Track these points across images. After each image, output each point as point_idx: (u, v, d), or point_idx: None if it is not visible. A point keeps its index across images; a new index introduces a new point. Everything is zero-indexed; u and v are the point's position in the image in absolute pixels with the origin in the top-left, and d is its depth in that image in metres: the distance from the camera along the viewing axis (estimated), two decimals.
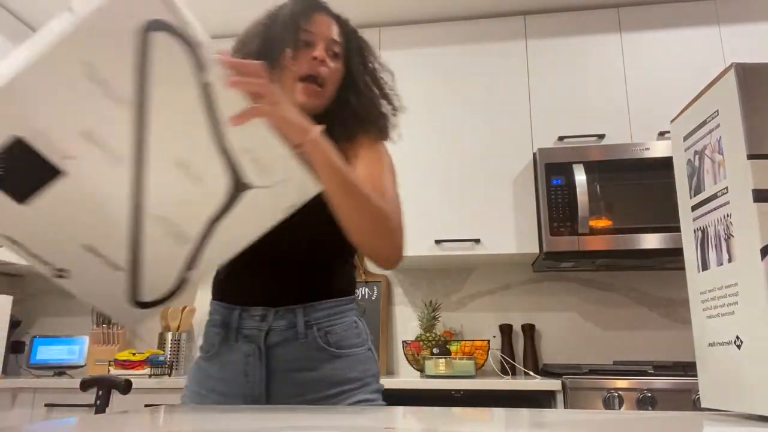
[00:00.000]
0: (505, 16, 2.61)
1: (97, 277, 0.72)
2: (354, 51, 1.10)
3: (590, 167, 2.24)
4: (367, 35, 1.15)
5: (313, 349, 0.98)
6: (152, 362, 2.37)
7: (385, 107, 1.11)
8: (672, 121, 0.69)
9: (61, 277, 0.70)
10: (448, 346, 2.25)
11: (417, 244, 2.35)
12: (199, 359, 1.04)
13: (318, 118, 1.02)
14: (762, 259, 0.51)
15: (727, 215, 0.56)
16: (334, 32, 1.06)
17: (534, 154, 2.41)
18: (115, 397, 2.08)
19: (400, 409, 0.74)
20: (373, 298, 2.59)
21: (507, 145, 2.45)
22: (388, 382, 1.11)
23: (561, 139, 2.41)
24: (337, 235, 0.93)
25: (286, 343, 0.97)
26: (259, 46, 1.04)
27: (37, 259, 0.69)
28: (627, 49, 2.48)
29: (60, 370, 2.54)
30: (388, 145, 1.12)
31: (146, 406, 2.05)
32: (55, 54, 0.59)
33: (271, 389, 0.97)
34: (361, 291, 2.61)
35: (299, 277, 1.01)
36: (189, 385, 1.03)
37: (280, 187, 0.73)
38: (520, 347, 2.51)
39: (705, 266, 0.61)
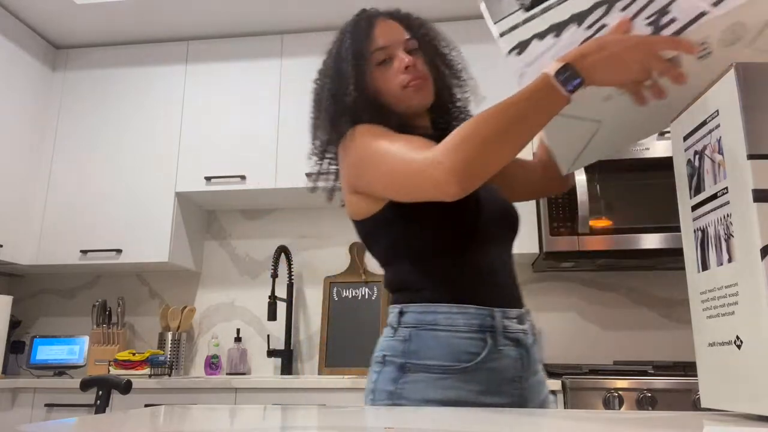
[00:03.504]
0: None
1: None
2: (424, 41, 1.08)
3: (590, 167, 2.23)
4: None
5: (537, 351, 0.98)
6: (152, 362, 2.37)
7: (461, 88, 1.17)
8: (672, 121, 0.69)
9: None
10: None
11: None
12: (427, 378, 0.87)
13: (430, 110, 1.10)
14: (762, 259, 0.51)
15: (727, 215, 0.56)
16: (402, 32, 1.04)
17: (534, 154, 2.40)
18: (115, 397, 2.09)
19: (400, 409, 0.74)
20: (373, 298, 2.59)
21: None
22: None
23: None
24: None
25: (534, 345, 0.96)
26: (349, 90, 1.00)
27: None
28: None
29: (60, 370, 2.54)
30: None
31: (146, 406, 2.05)
32: None
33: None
34: (361, 291, 2.61)
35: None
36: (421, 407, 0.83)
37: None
38: None
39: (705, 266, 0.61)
